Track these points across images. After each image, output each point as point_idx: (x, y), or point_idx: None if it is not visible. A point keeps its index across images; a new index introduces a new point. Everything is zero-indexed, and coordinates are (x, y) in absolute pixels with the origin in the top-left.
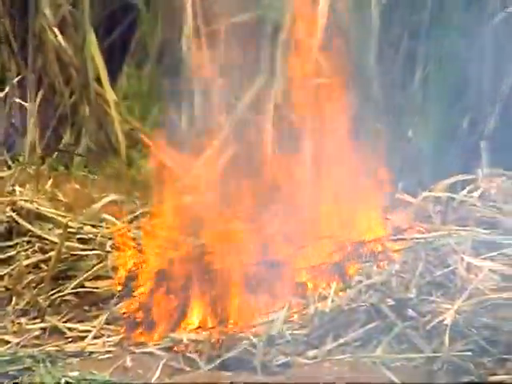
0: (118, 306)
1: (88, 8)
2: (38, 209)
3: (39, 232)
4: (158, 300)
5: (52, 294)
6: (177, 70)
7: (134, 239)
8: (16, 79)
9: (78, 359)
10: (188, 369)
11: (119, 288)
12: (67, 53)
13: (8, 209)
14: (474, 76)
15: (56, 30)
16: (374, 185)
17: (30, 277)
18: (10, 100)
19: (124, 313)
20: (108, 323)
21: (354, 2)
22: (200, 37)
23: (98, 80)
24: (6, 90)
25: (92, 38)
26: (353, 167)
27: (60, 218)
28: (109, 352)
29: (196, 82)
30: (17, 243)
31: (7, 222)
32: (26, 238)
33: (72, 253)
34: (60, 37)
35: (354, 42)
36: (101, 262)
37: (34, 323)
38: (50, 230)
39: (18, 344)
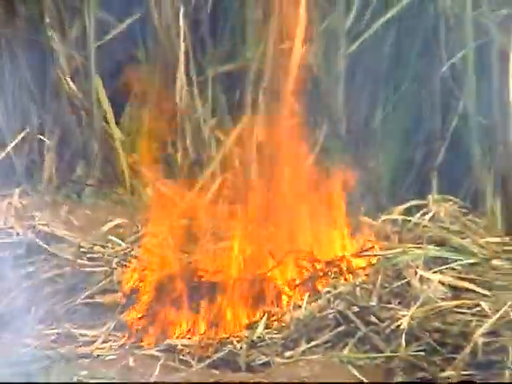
0: (122, 315)
1: (94, 60)
2: (53, 231)
3: (55, 251)
4: (157, 310)
5: (66, 304)
6: (172, 112)
7: (136, 257)
8: (36, 121)
9: (88, 360)
10: (182, 367)
11: (124, 300)
12: (78, 98)
13: (28, 231)
14: (426, 116)
15: (69, 78)
16: (340, 209)
17: (48, 289)
18: (30, 138)
19: (128, 321)
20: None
21: (323, 53)
22: (192, 84)
23: (105, 120)
24: (27, 130)
25: (99, 84)
26: (322, 194)
27: (73, 239)
28: (114, 354)
29: (188, 122)
30: (36, 260)
31: (28, 242)
32: (43, 256)
33: (83, 269)
34: (72, 84)
35: (324, 87)
36: (108, 277)
37: (51, 329)
38: (64, 249)
39: (36, 346)
